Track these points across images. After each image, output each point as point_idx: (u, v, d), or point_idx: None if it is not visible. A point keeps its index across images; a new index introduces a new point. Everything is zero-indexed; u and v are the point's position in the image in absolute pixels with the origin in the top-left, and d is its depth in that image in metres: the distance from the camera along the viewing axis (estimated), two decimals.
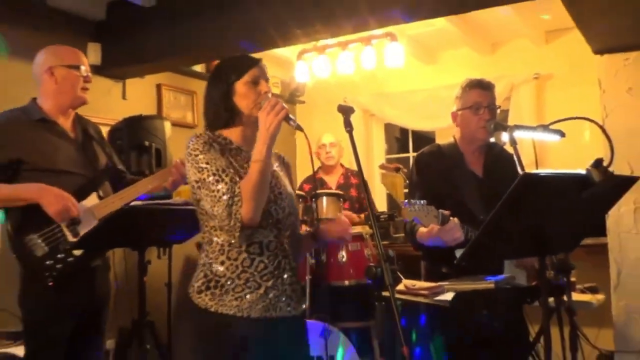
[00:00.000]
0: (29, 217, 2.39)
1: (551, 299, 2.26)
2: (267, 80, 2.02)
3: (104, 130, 3.99)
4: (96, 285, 2.59)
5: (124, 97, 4.46)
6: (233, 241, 1.89)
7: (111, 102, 4.32)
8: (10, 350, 3.07)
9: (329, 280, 3.88)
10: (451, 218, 2.29)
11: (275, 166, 2.08)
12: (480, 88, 2.59)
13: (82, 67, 2.59)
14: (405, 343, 1.76)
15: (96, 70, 4.19)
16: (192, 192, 1.94)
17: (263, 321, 1.89)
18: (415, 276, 3.67)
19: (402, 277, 2.61)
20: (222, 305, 1.88)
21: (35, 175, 2.41)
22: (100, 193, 2.57)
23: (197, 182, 1.88)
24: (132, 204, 2.66)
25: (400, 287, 2.44)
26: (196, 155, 1.89)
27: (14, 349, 3.04)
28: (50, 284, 2.38)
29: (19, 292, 2.49)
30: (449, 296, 2.20)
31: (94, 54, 4.14)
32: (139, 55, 4.11)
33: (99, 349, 2.70)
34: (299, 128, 1.96)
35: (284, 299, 1.94)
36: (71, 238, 2.43)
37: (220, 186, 1.83)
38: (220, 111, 1.99)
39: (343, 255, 3.86)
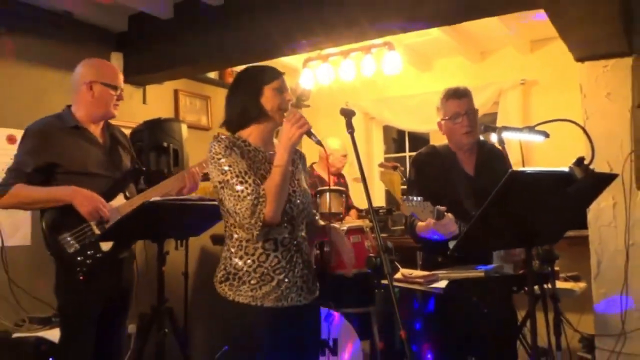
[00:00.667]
0: (62, 217, 2.43)
1: (537, 287, 2.26)
2: (288, 92, 2.06)
3: (126, 132, 4.02)
4: (123, 274, 2.63)
5: (144, 101, 4.47)
6: (251, 237, 1.92)
7: (133, 107, 4.33)
8: (40, 334, 3.09)
9: (332, 269, 3.88)
10: (446, 214, 2.29)
11: (294, 165, 2.09)
12: (456, 97, 2.59)
13: (118, 88, 2.63)
14: (402, 327, 1.76)
15: None
16: (215, 193, 1.96)
17: (274, 310, 1.92)
18: (412, 265, 3.67)
19: (399, 266, 2.61)
20: (238, 295, 1.92)
21: (69, 178, 2.45)
22: (127, 194, 2.62)
23: (220, 183, 1.89)
24: (152, 199, 2.67)
25: (398, 275, 2.44)
26: (219, 159, 1.90)
27: (44, 332, 3.06)
28: (82, 278, 2.42)
29: (54, 284, 2.53)
30: (442, 284, 2.20)
31: (116, 62, 4.15)
32: (158, 63, 4.12)
33: (123, 330, 2.75)
34: (319, 143, 1.98)
35: (295, 289, 1.96)
36: None
37: (244, 187, 1.85)
38: (250, 108, 2.00)
39: None
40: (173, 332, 2.84)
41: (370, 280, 3.47)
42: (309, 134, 1.95)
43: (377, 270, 1.93)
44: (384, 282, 1.91)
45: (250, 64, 2.14)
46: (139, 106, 4.40)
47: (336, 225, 2.18)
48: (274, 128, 2.05)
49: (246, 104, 2.00)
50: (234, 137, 2.01)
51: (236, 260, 1.95)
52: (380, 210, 4.80)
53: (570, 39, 3.28)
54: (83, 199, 2.40)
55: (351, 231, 3.89)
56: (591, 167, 1.88)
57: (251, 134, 2.03)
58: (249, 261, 1.93)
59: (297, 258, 1.99)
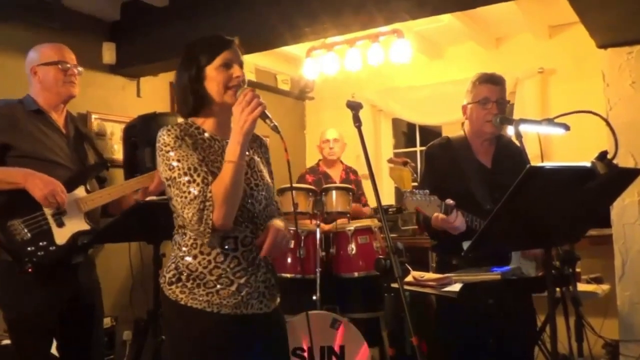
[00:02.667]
0: (13, 203, 2.33)
1: (557, 290, 2.25)
2: (240, 64, 1.86)
3: (119, 127, 4.03)
4: (79, 280, 2.52)
5: (138, 95, 4.47)
6: (205, 241, 1.79)
7: (126, 100, 4.34)
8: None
9: (338, 272, 3.88)
10: (456, 210, 2.28)
11: (251, 152, 1.94)
12: (491, 83, 2.57)
13: (63, 62, 2.52)
14: (414, 333, 1.75)
15: (111, 69, 4.21)
16: (163, 188, 1.84)
17: (233, 318, 1.80)
18: (424, 267, 3.67)
19: (410, 268, 2.60)
20: (192, 298, 1.78)
21: (24, 162, 2.37)
22: (88, 187, 2.53)
23: (167, 179, 1.76)
24: (147, 198, 2.67)
25: (409, 278, 2.42)
26: (167, 152, 1.75)
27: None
28: (30, 270, 2.31)
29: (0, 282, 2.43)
30: (456, 287, 2.19)
31: (109, 53, 4.16)
32: (153, 54, 4.12)
33: (95, 338, 2.63)
34: (276, 129, 1.77)
35: (256, 295, 1.84)
36: (55, 227, 2.38)
37: (191, 188, 1.70)
38: (188, 97, 1.84)
39: (352, 247, 3.85)
40: None
41: (379, 284, 3.46)
42: (264, 116, 1.76)
43: (386, 273, 1.91)
44: (394, 285, 1.90)
45: (195, 39, 1.92)
46: (132, 99, 4.41)
47: (280, 222, 1.98)
48: (229, 112, 1.81)
49: (185, 91, 1.84)
50: (186, 124, 1.85)
51: (189, 259, 1.80)
52: (390, 209, 4.79)
53: (591, 24, 3.25)
54: (39, 181, 2.30)
55: (358, 231, 3.89)
56: (614, 161, 1.87)
57: (205, 120, 1.87)
58: (204, 261, 1.78)
59: (260, 260, 1.86)
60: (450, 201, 2.30)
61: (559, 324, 2.02)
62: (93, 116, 4.03)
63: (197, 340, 1.80)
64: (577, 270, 2.94)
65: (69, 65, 2.54)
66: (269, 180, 1.97)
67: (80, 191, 2.49)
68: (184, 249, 1.82)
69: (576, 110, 2.23)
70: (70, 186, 2.44)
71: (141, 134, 3.58)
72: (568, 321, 2.32)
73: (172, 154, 1.75)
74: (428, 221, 2.47)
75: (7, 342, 3.11)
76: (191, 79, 1.83)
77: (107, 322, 3.47)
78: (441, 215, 2.30)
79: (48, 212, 2.38)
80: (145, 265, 3.82)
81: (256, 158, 1.97)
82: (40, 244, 2.35)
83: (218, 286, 1.79)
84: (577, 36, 4.29)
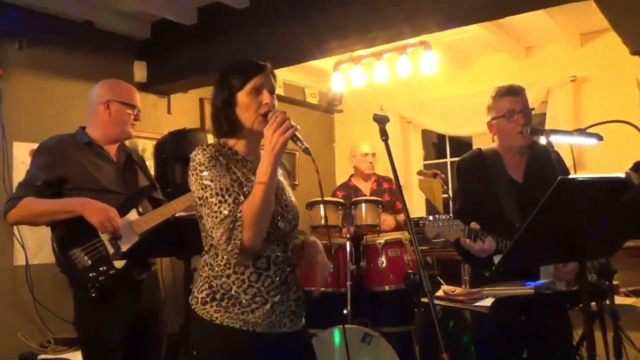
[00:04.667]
0: (72, 232, 2.46)
1: (593, 304, 2.19)
2: (271, 90, 1.88)
3: (151, 144, 4.10)
4: (142, 296, 2.60)
5: (169, 111, 4.56)
6: (233, 261, 1.81)
7: (157, 117, 4.42)
8: (66, 355, 3.17)
9: (369, 285, 3.86)
10: (484, 237, 2.23)
11: (279, 174, 1.95)
12: (511, 94, 2.52)
13: (135, 108, 2.68)
14: (445, 349, 1.72)
15: (142, 86, 4.29)
16: (195, 208, 1.85)
17: (267, 336, 1.82)
18: (456, 280, 3.62)
19: (442, 282, 2.57)
20: (227, 317, 1.79)
21: (78, 194, 2.48)
22: (140, 210, 2.62)
23: (199, 199, 1.78)
24: (177, 214, 2.70)
25: (440, 293, 2.40)
26: (201, 171, 1.78)
27: (69, 354, 3.13)
28: (93, 295, 2.42)
29: (73, 310, 2.55)
30: (488, 302, 2.15)
31: (139, 71, 4.24)
32: (182, 71, 4.20)
33: (158, 356, 2.73)
34: (307, 152, 1.78)
35: (288, 314, 1.86)
36: (112, 251, 2.48)
37: (222, 208, 1.73)
38: (222, 121, 1.87)
39: (383, 261, 3.83)
40: None
41: (411, 297, 3.43)
42: (295, 138, 1.78)
43: (415, 288, 1.89)
44: (424, 300, 1.88)
45: (230, 62, 1.94)
46: (163, 116, 4.49)
47: (315, 238, 2.06)
48: (259, 137, 1.87)
49: (219, 116, 1.88)
50: (220, 145, 1.89)
51: (224, 279, 1.81)
52: (420, 221, 4.73)
53: (623, 30, 3.20)
54: (94, 208, 2.42)
55: (389, 244, 3.87)
56: None
57: (237, 142, 1.90)
58: (237, 281, 1.80)
59: (291, 278, 1.88)
60: (475, 225, 2.26)
61: (596, 339, 1.97)
62: None
63: (231, 357, 1.82)
64: (615, 283, 2.86)
65: (137, 112, 2.70)
66: (296, 203, 2.00)
67: (132, 215, 2.58)
68: (216, 268, 1.83)
69: (609, 120, 2.19)
70: (123, 211, 2.54)
71: (171, 150, 3.62)
72: (606, 336, 2.26)
73: (205, 173, 1.77)
74: (459, 244, 2.43)
75: (44, 356, 3.21)
76: (224, 103, 1.86)
77: None
78: (468, 241, 2.26)
79: (105, 238, 2.48)
80: (176, 281, 3.87)
81: (283, 180, 1.99)
82: (101, 269, 2.45)
83: (253, 305, 1.80)
84: (609, 43, 4.22)
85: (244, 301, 1.80)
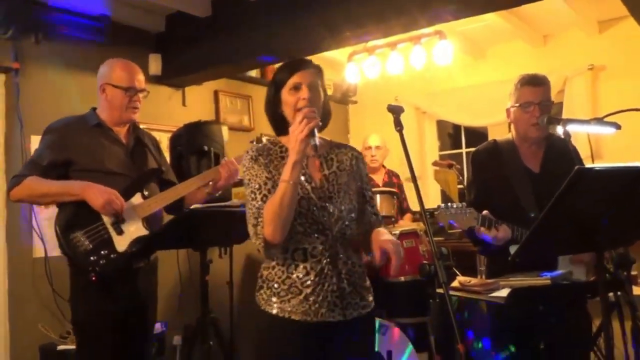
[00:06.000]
0: (75, 215, 2.46)
1: (611, 294, 2.18)
2: (311, 86, 1.92)
3: (166, 137, 4.13)
4: (139, 285, 2.61)
5: (183, 104, 4.57)
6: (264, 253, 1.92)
7: (172, 109, 4.44)
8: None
9: (384, 276, 3.85)
10: (498, 225, 2.22)
11: (335, 166, 2.00)
12: (533, 85, 2.48)
13: (132, 90, 2.62)
14: (460, 340, 1.72)
15: (157, 79, 4.32)
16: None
17: (301, 324, 1.88)
18: (472, 271, 3.61)
19: (457, 272, 2.57)
20: (269, 305, 1.92)
21: (84, 176, 2.49)
22: (145, 193, 2.61)
23: (246, 195, 1.95)
24: (193, 207, 2.72)
25: (455, 283, 2.40)
26: (244, 171, 1.95)
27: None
28: (93, 278, 2.42)
29: (69, 292, 2.59)
30: (504, 293, 2.14)
31: (155, 64, 4.26)
32: (197, 63, 4.21)
33: (146, 345, 2.74)
34: (315, 148, 1.83)
35: (325, 304, 1.88)
36: (115, 235, 2.48)
37: (252, 204, 1.88)
38: (275, 120, 2.01)
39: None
40: (218, 344, 2.88)
41: (425, 289, 3.43)
42: (312, 134, 1.81)
43: (430, 278, 1.90)
44: (440, 291, 1.88)
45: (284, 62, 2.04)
46: (178, 109, 4.51)
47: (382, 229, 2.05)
48: None
49: (272, 115, 2.01)
50: (271, 142, 2.01)
51: (269, 270, 1.95)
52: (436, 212, 4.72)
53: None
54: (96, 191, 2.42)
55: (404, 235, 3.86)
56: None
57: (288, 139, 1.91)
58: (278, 271, 1.92)
59: (330, 271, 1.90)
60: (488, 213, 2.24)
61: (615, 330, 1.96)
62: (141, 126, 4.11)
63: (271, 341, 1.94)
64: (633, 273, 2.84)
65: (136, 92, 2.64)
66: (351, 194, 1.98)
67: (136, 199, 2.57)
68: (266, 259, 1.98)
69: (627, 109, 2.16)
70: (127, 194, 2.54)
71: (187, 142, 3.64)
72: (624, 326, 2.25)
73: (246, 172, 1.94)
74: (472, 232, 2.42)
75: (63, 347, 3.26)
76: (270, 101, 1.99)
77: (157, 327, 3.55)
78: (482, 229, 2.25)
79: (107, 221, 2.49)
80: (193, 272, 3.90)
81: (342, 171, 2.00)
82: (102, 252, 2.46)
83: (289, 295, 1.90)
84: (628, 31, 4.16)
85: (282, 291, 1.90)
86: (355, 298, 1.95)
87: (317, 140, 1.83)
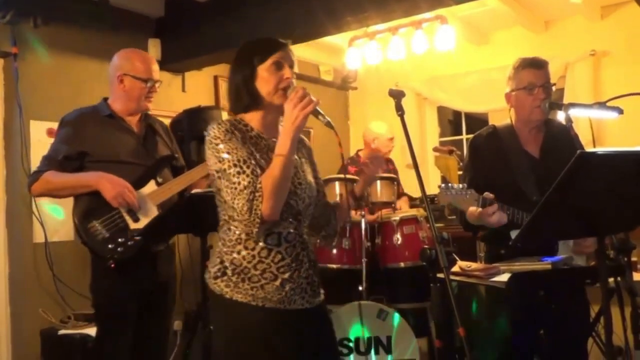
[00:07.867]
0: (92, 205, 2.52)
1: (611, 280, 2.18)
2: (291, 65, 1.90)
3: (165, 122, 4.11)
4: (158, 269, 2.67)
5: (183, 89, 4.56)
6: (250, 232, 1.83)
7: (172, 95, 4.42)
8: (85, 330, 3.23)
9: (385, 262, 3.86)
10: (494, 203, 2.22)
11: (298, 154, 1.99)
12: (534, 67, 2.48)
13: (150, 81, 2.67)
14: (461, 325, 1.73)
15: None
16: (212, 181, 1.88)
17: (276, 312, 1.83)
18: (472, 257, 3.61)
19: (457, 258, 2.57)
20: (237, 292, 1.82)
21: (99, 166, 2.55)
22: (159, 179, 2.66)
23: (217, 172, 1.81)
24: (193, 191, 2.72)
25: (455, 268, 2.40)
26: (217, 144, 1.81)
27: (89, 329, 3.19)
28: (112, 265, 2.48)
29: (90, 278, 2.63)
30: (504, 277, 2.15)
31: (154, 49, 4.24)
32: (197, 48, 4.19)
33: (165, 329, 2.80)
34: (329, 125, 1.83)
35: (299, 292, 1.87)
36: (132, 223, 2.54)
37: (241, 178, 1.76)
38: (242, 95, 1.89)
39: (398, 237, 3.83)
40: None
41: (426, 274, 3.43)
42: (316, 113, 1.81)
43: (431, 263, 1.89)
44: (440, 275, 1.88)
45: (250, 40, 1.97)
46: (178, 94, 4.49)
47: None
48: (278, 112, 1.90)
49: (239, 89, 1.89)
50: (235, 120, 1.91)
51: (234, 255, 1.84)
52: (436, 199, 4.72)
53: None
54: (108, 183, 2.47)
55: (404, 221, 3.86)
56: None
57: (253, 118, 1.92)
58: (248, 256, 1.83)
59: (303, 256, 1.90)
60: (488, 194, 2.24)
61: (613, 315, 1.96)
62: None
63: (241, 332, 1.84)
64: (633, 259, 2.84)
65: (153, 83, 2.69)
66: (312, 181, 2.01)
67: (150, 186, 2.62)
68: (228, 244, 1.87)
69: (630, 93, 2.15)
70: (141, 182, 2.59)
71: (187, 128, 3.64)
72: (623, 312, 2.25)
73: (221, 146, 1.80)
74: (464, 215, 2.42)
75: (64, 331, 3.27)
76: (244, 77, 1.88)
77: None
78: (477, 209, 2.24)
79: (123, 209, 2.54)
80: (193, 258, 3.90)
81: (300, 158, 2.00)
82: (119, 240, 2.51)
83: (262, 281, 1.83)
84: (630, 16, 4.14)
85: (253, 277, 1.82)
86: (318, 286, 1.96)
87: (327, 118, 1.83)
